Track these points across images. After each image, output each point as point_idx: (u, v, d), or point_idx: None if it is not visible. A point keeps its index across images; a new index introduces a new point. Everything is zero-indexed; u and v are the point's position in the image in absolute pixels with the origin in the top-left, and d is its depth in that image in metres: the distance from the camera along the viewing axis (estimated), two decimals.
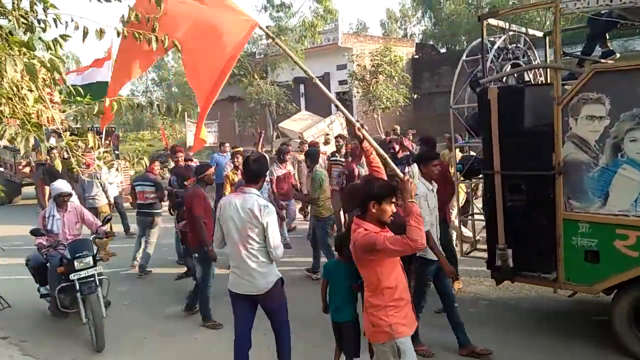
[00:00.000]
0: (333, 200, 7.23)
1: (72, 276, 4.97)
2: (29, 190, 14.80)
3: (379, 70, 16.15)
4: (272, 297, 3.78)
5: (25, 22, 3.10)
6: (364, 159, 3.91)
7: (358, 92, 17.45)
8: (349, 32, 23.01)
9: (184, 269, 7.09)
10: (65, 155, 3.50)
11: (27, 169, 14.25)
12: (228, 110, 22.99)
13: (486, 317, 5.17)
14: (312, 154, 7.11)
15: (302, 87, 23.52)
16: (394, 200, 3.04)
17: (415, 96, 16.78)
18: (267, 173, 5.79)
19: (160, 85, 52.04)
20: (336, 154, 8.79)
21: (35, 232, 5.43)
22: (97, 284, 5.11)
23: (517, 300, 5.60)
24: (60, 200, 5.69)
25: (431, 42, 31.88)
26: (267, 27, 20.23)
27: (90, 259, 5.12)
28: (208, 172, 5.78)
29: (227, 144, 10.70)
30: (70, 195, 5.83)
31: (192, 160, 10.24)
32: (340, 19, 20.23)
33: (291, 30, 18.55)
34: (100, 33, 3.16)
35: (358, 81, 16.73)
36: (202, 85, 3.41)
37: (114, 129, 15.12)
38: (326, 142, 11.60)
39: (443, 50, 30.47)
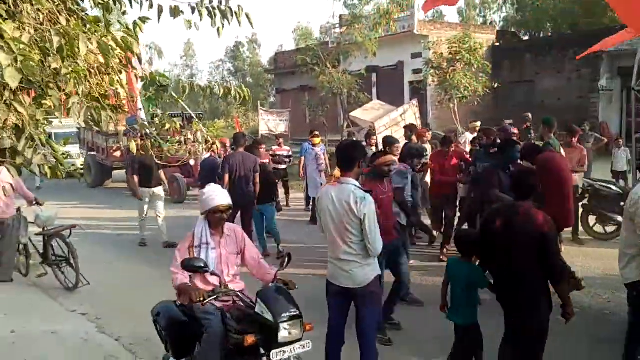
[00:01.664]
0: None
1: (276, 356, 2.95)
2: (119, 173, 15.66)
3: (457, 58, 15.39)
4: (369, 294, 3.59)
5: (102, 1, 3.06)
6: None
7: (433, 81, 16.78)
8: (425, 20, 22.18)
9: None
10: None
11: (117, 153, 15.12)
12: (300, 99, 23.05)
13: None
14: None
15: (374, 76, 23.08)
16: None
17: (496, 85, 15.83)
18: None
19: (236, 75, 53.71)
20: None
21: (190, 266, 3.18)
22: None
23: None
24: (216, 218, 3.49)
25: (513, 30, 30.18)
26: (340, 15, 20.11)
27: (300, 324, 3.07)
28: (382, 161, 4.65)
29: (317, 133, 10.23)
30: (230, 208, 3.55)
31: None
32: (417, 5, 19.52)
33: (365, 18, 18.15)
34: (176, 11, 3.05)
35: (434, 69, 16.06)
36: None
37: (201, 115, 15.56)
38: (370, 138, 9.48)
39: (526, 38, 28.75)
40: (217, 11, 3.09)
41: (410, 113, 15.11)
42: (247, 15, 3.23)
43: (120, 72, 3.08)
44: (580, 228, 7.61)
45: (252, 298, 3.27)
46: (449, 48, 15.70)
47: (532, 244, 3.22)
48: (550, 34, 26.03)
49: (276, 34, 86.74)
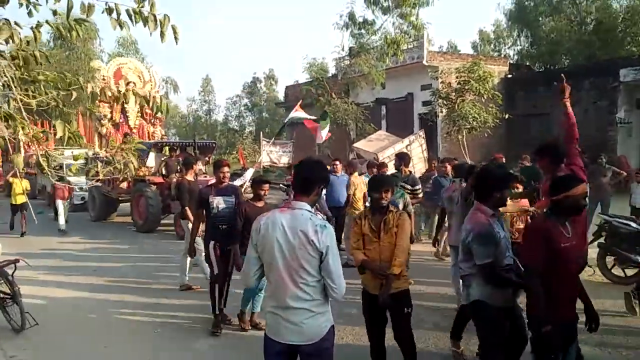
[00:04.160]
0: None
1: None
2: (124, 206, 14.26)
3: (466, 87, 14.81)
4: (323, 352, 2.86)
5: None
6: None
7: (441, 112, 16.18)
8: (435, 52, 21.79)
9: None
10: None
11: (124, 184, 13.90)
12: (305, 131, 22.63)
13: None
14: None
15: (383, 108, 22.64)
16: None
17: (507, 116, 15.14)
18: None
19: (252, 111, 54.02)
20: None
21: None
22: None
23: None
24: None
25: (527, 63, 29.68)
26: (350, 47, 19.83)
27: None
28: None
29: (338, 162, 8.73)
30: None
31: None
32: (426, 35, 19.16)
33: (373, 48, 17.83)
34: (89, 9, 2.92)
35: (442, 99, 15.48)
36: None
37: (214, 145, 15.07)
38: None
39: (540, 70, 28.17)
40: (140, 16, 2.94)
41: (416, 144, 14.52)
42: (173, 28, 3.05)
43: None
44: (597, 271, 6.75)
45: None
46: (457, 77, 15.14)
47: None
48: (565, 65, 25.40)
49: (294, 69, 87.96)
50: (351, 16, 17.49)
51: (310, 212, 2.86)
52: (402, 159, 7.58)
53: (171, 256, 8.96)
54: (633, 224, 6.76)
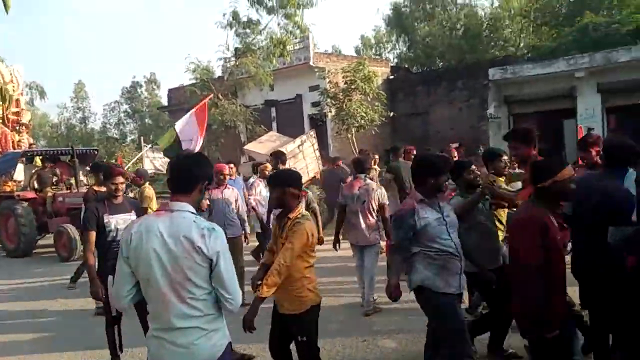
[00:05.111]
0: None
1: None
2: None
3: (352, 87, 15.08)
4: None
5: None
6: None
7: (331, 112, 16.33)
8: (321, 53, 22.05)
9: None
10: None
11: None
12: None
13: None
14: None
15: (273, 110, 22.39)
16: None
17: (392, 114, 15.69)
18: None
19: (133, 117, 50.75)
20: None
21: None
22: None
23: None
24: None
25: (406, 66, 31.35)
26: (235, 48, 19.28)
27: None
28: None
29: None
30: None
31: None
32: (311, 37, 19.27)
33: (259, 48, 17.51)
34: None
35: (330, 99, 15.61)
36: None
37: (96, 152, 13.32)
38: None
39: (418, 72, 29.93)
40: None
41: (308, 144, 14.45)
42: None
43: None
44: None
45: None
46: (343, 77, 15.36)
47: None
48: (439, 68, 27.23)
49: (178, 73, 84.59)
50: (235, 15, 17.01)
51: (194, 213, 2.42)
52: (279, 157, 7.13)
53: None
54: None
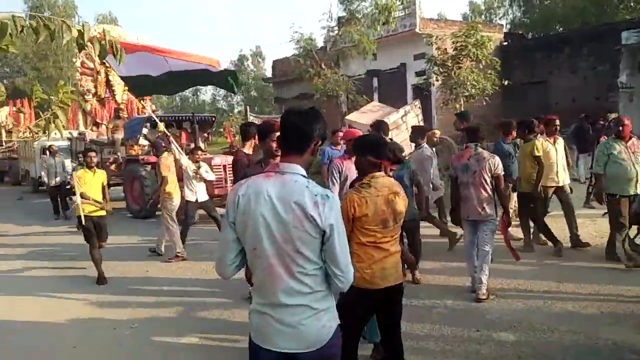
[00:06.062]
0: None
1: None
2: (115, 190, 12.52)
3: (463, 53, 14.02)
4: (325, 358, 2.15)
5: None
6: None
7: (437, 80, 15.41)
8: (428, 19, 20.91)
9: None
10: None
11: (113, 166, 12.76)
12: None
13: None
14: None
15: (375, 80, 21.85)
16: None
17: (506, 82, 14.42)
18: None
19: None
20: None
21: None
22: None
23: None
24: None
25: (520, 32, 28.94)
26: (339, 17, 18.90)
27: None
28: None
29: (341, 132, 7.59)
30: None
31: None
32: (418, 2, 18.30)
33: (363, 16, 16.95)
34: None
35: (438, 67, 14.69)
36: None
37: (214, 119, 13.61)
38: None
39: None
40: None
41: (412, 115, 13.76)
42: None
43: None
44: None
45: None
46: (453, 43, 14.34)
47: None
48: (561, 32, 24.74)
49: (281, 43, 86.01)
50: None
51: (306, 177, 2.13)
52: (379, 128, 6.11)
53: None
54: None
